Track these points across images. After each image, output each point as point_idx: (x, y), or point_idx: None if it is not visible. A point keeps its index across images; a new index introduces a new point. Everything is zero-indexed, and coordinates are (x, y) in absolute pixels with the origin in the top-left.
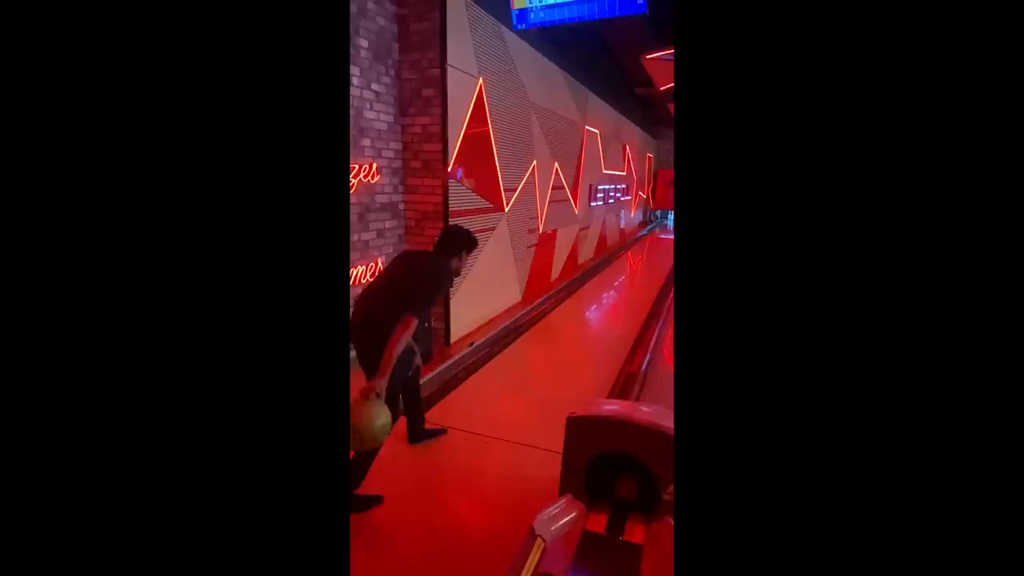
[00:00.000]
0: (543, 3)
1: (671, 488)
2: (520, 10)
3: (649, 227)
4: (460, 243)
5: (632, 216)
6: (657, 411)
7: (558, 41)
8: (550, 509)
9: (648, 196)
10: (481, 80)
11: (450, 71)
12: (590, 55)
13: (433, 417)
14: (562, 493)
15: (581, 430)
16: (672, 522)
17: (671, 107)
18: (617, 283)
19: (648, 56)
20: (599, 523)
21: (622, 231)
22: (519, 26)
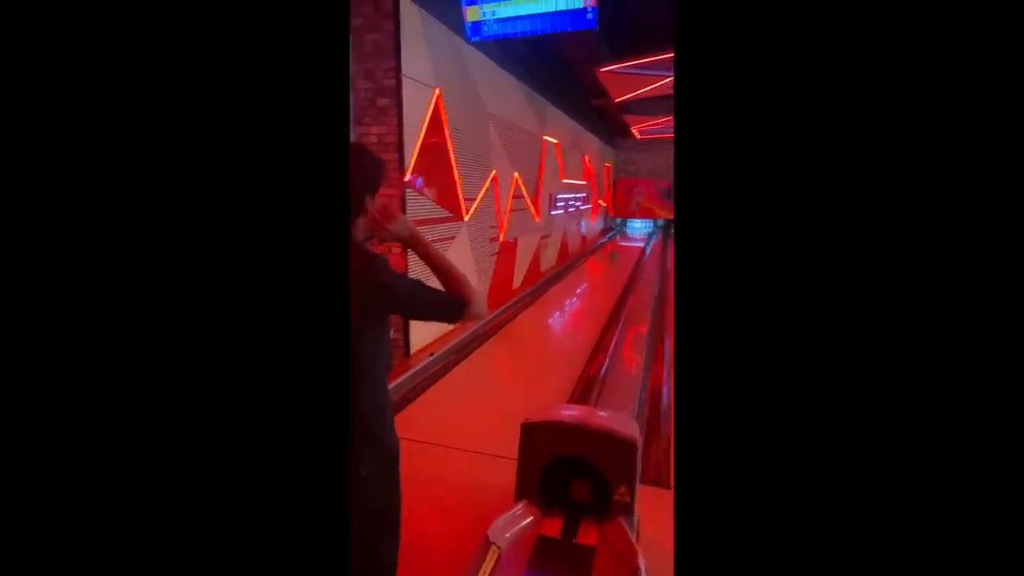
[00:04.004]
0: (496, 16)
1: (621, 489)
2: (474, 23)
3: (609, 235)
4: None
5: (593, 224)
6: (612, 416)
7: (516, 53)
8: (505, 516)
9: (608, 204)
10: (438, 90)
11: (405, 81)
12: (547, 67)
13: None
14: (518, 499)
15: (535, 436)
16: (623, 523)
17: (627, 119)
18: (579, 290)
19: (602, 69)
20: (554, 527)
21: (583, 239)
22: (473, 38)
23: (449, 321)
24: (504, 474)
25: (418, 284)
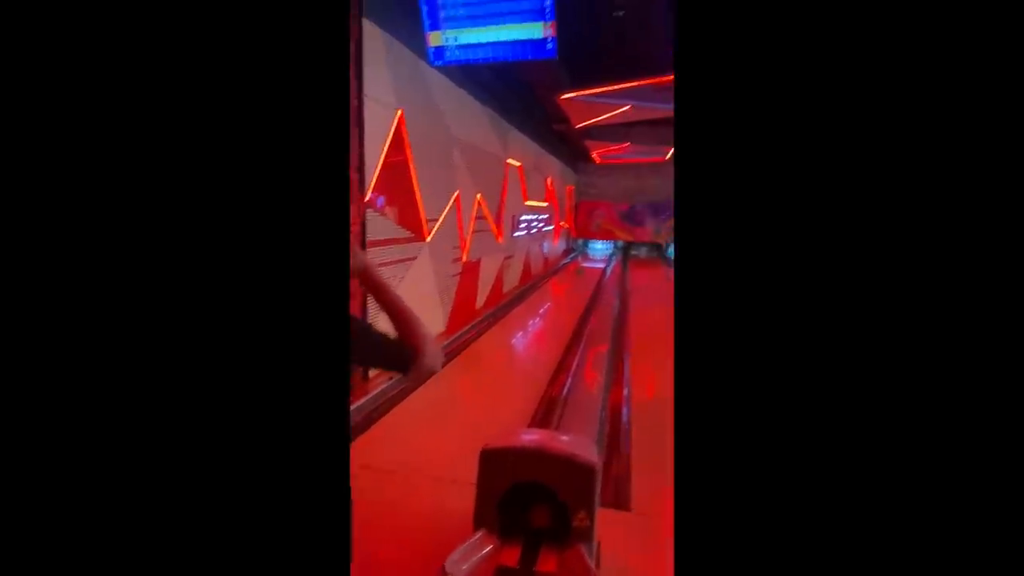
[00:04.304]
0: (458, 42)
1: (581, 515)
2: (436, 47)
3: (572, 255)
4: None
5: (555, 245)
6: (572, 440)
7: (480, 78)
8: (462, 547)
9: (570, 226)
10: (400, 111)
11: (367, 101)
12: (511, 92)
13: (352, 454)
14: (476, 528)
15: (494, 463)
16: (582, 549)
17: (587, 143)
18: (542, 310)
19: (563, 96)
20: (512, 557)
21: (546, 259)
22: (436, 63)
23: (398, 371)
24: (465, 500)
25: (366, 327)
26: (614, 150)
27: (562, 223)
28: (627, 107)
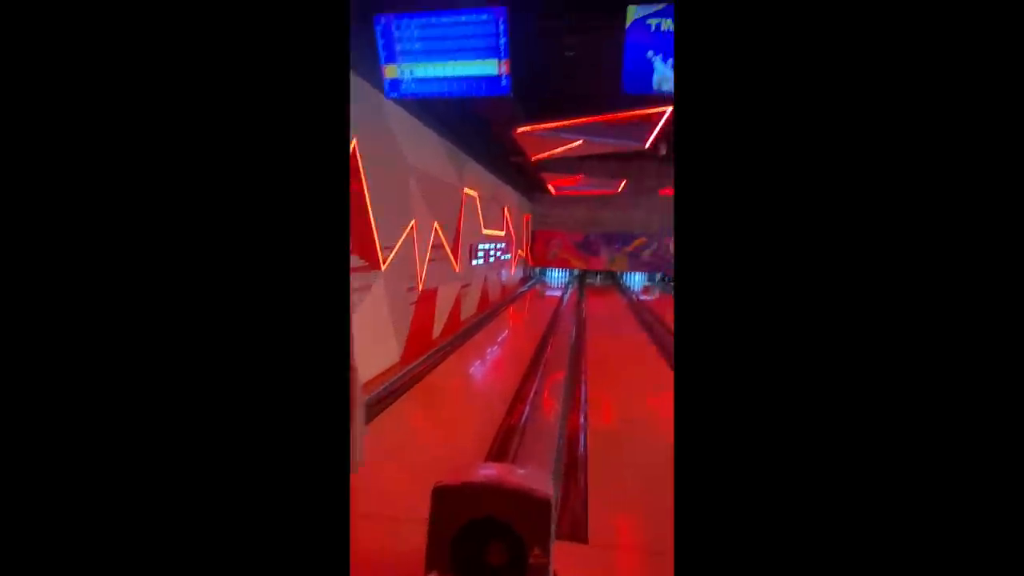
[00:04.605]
0: (414, 76)
1: (536, 551)
2: (392, 80)
3: (529, 283)
4: None
5: (513, 273)
6: (527, 473)
7: (436, 110)
8: None
9: (527, 254)
10: (354, 140)
11: None
12: (467, 124)
13: None
14: (428, 571)
15: (447, 500)
16: None
17: (543, 176)
18: (500, 338)
19: (519, 130)
20: None
21: (504, 287)
22: (391, 95)
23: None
24: (419, 538)
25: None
26: (568, 181)
27: (519, 251)
28: (579, 141)
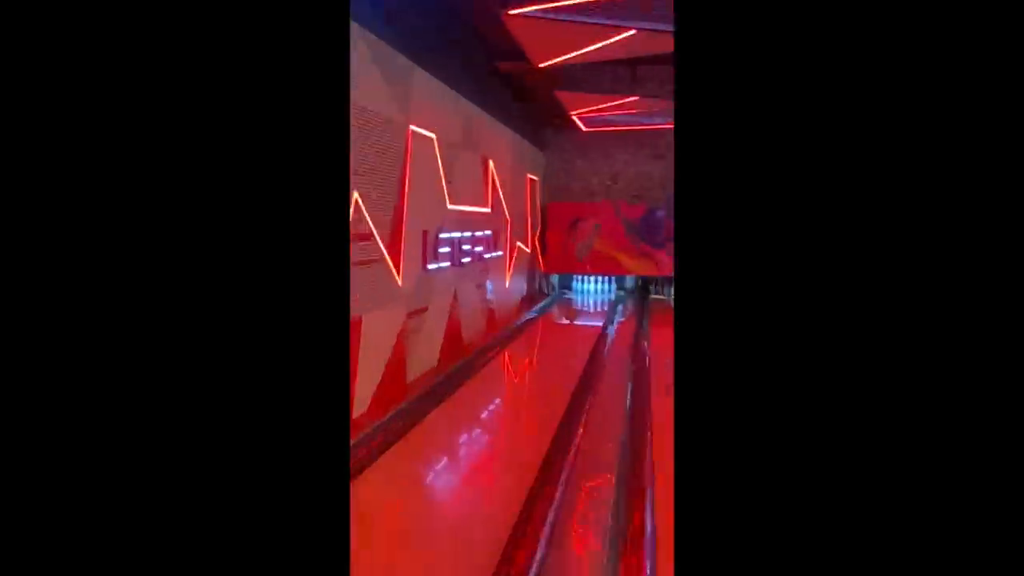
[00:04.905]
0: None
1: None
2: None
3: (541, 304)
4: None
5: (508, 285)
6: None
7: None
8: None
9: (535, 249)
10: None
11: None
12: (417, 8)
13: None
14: None
15: None
16: None
17: (562, 95)
18: (485, 414)
19: (511, 11)
20: None
21: (491, 313)
22: None
23: None
24: None
25: None
26: (610, 110)
27: (520, 244)
28: (631, 31)
